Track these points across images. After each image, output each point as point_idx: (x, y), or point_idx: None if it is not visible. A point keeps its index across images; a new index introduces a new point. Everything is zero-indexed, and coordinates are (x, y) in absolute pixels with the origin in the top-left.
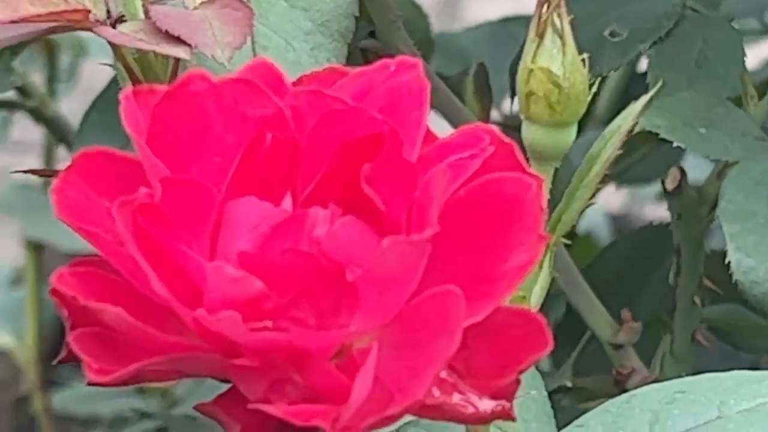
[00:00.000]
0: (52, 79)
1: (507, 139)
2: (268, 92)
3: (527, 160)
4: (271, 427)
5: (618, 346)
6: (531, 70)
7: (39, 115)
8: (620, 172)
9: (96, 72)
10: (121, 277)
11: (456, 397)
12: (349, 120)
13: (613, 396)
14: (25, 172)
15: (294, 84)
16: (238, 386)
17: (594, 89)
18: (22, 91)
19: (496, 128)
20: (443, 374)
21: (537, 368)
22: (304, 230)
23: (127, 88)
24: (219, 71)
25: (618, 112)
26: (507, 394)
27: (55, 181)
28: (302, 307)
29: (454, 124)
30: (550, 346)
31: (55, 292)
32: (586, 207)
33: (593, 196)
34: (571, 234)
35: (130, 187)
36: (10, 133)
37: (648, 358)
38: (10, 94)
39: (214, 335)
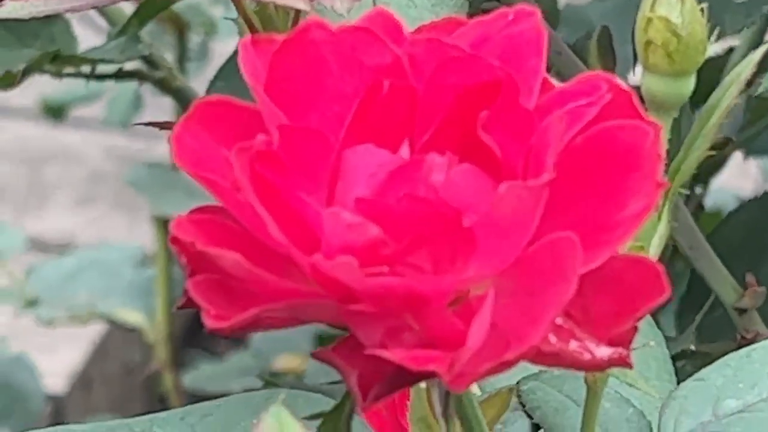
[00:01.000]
0: (182, 58)
1: (626, 87)
2: (386, 40)
3: (646, 109)
4: (387, 373)
5: (742, 311)
6: (649, 19)
7: (166, 86)
8: (747, 140)
9: (226, 52)
10: (239, 224)
11: (573, 344)
12: (467, 67)
13: None
14: (146, 124)
15: (414, 33)
16: (355, 333)
17: (713, 39)
18: (150, 62)
19: (613, 76)
20: (560, 321)
21: (661, 333)
22: (421, 176)
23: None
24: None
25: None
26: (624, 341)
27: (174, 129)
28: (419, 253)
29: None
30: (667, 294)
31: (174, 239)
32: (706, 159)
33: (713, 148)
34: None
35: (249, 135)
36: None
37: None
38: (138, 65)
39: (331, 281)
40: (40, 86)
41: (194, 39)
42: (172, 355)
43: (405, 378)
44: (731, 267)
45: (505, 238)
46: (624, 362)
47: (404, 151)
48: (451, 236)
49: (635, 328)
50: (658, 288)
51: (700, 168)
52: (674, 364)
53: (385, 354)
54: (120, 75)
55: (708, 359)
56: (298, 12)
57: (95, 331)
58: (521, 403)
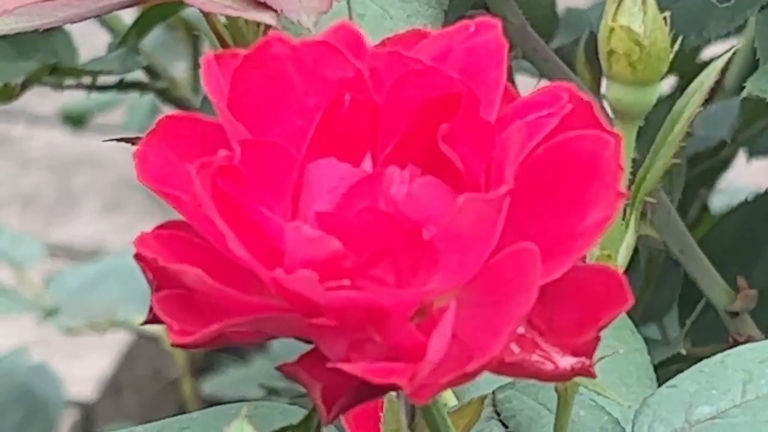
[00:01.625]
0: (195, 67)
1: (586, 97)
2: (347, 54)
3: (611, 119)
4: (351, 385)
5: (734, 314)
6: (612, 29)
7: (168, 97)
8: (747, 141)
9: None
10: (204, 240)
11: (536, 354)
12: (427, 80)
13: None
14: (116, 140)
15: (376, 47)
16: (319, 346)
17: (676, 48)
18: (151, 72)
19: (574, 86)
20: (523, 332)
21: (649, 336)
22: (382, 189)
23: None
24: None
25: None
26: (587, 351)
27: (137, 146)
28: (381, 267)
29: None
30: (630, 303)
31: (138, 255)
32: (670, 167)
33: (677, 154)
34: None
35: (213, 150)
36: None
37: (765, 326)
38: (140, 76)
39: (294, 295)
40: (68, 94)
41: (208, 47)
42: (193, 361)
43: (369, 391)
44: (723, 270)
45: (466, 251)
46: (587, 372)
47: (366, 164)
48: (412, 249)
49: (598, 338)
50: (620, 297)
51: (704, 170)
52: (667, 367)
53: (347, 367)
54: (121, 86)
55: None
56: (268, 26)
57: (124, 337)
58: (496, 411)
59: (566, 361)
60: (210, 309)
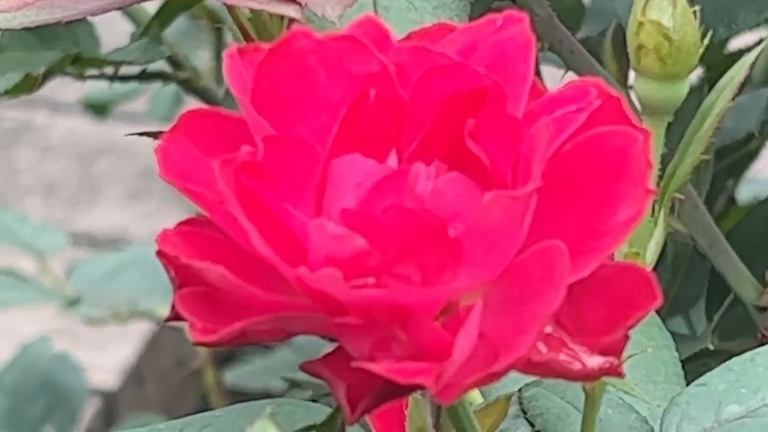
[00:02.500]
0: (218, 57)
1: (615, 92)
2: (372, 48)
3: (640, 114)
4: (376, 385)
5: (762, 309)
6: (641, 23)
7: (190, 87)
8: None
9: None
10: (227, 236)
11: (563, 354)
12: (453, 75)
13: None
14: (139, 134)
15: (402, 40)
16: (344, 345)
17: (706, 42)
18: (174, 63)
19: (603, 81)
20: (550, 330)
21: (676, 331)
22: (407, 186)
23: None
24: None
25: None
26: (615, 350)
27: (159, 142)
28: (406, 264)
29: None
30: (659, 302)
31: (160, 252)
32: (700, 162)
33: (706, 149)
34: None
35: (236, 146)
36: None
37: None
38: (162, 66)
39: (318, 293)
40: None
41: (231, 37)
42: (215, 351)
43: (394, 390)
44: (751, 265)
45: (493, 248)
46: (615, 372)
47: (392, 160)
48: (438, 246)
49: (627, 337)
50: (649, 296)
51: (732, 162)
52: (695, 361)
53: (372, 367)
54: (144, 76)
55: (729, 357)
56: (292, 19)
57: (147, 326)
58: (523, 410)
59: (594, 361)
60: (233, 307)
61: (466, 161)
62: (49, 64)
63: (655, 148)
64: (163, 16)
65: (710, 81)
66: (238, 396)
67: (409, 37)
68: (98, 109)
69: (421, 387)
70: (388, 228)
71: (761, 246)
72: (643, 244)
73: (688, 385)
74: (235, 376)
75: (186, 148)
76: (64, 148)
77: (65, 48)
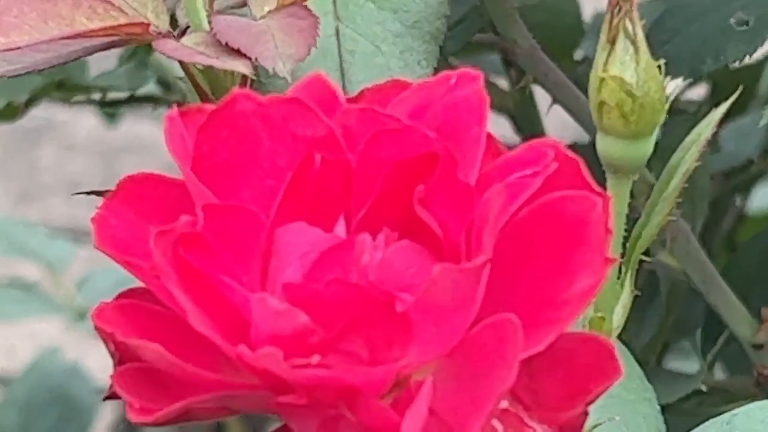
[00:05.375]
0: None
1: (572, 155)
2: (318, 111)
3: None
4: None
5: (758, 346)
6: (602, 79)
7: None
8: None
9: None
10: (168, 309)
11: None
12: (402, 139)
13: (755, 398)
14: (86, 193)
15: (355, 98)
16: (289, 424)
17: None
18: (164, 85)
19: (560, 143)
20: (507, 406)
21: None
22: (353, 258)
23: (189, 105)
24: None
25: None
26: (575, 426)
27: (96, 211)
28: (353, 340)
29: (580, 120)
30: (620, 375)
31: (97, 328)
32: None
33: (735, 171)
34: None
35: (178, 213)
36: None
37: None
38: (152, 89)
39: (261, 371)
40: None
41: None
42: None
43: None
44: (747, 300)
45: (443, 323)
46: None
47: (340, 228)
48: (385, 322)
49: (586, 413)
50: (610, 369)
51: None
52: (691, 399)
53: None
54: (132, 100)
55: (725, 396)
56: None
57: None
58: None
59: None
60: (173, 384)
61: (417, 228)
62: (32, 91)
63: (620, 207)
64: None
65: (715, 98)
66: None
67: (361, 95)
68: (109, 114)
69: None
70: (333, 303)
71: (757, 281)
72: (609, 308)
73: None
74: None
75: (125, 216)
76: (87, 147)
77: (50, 74)
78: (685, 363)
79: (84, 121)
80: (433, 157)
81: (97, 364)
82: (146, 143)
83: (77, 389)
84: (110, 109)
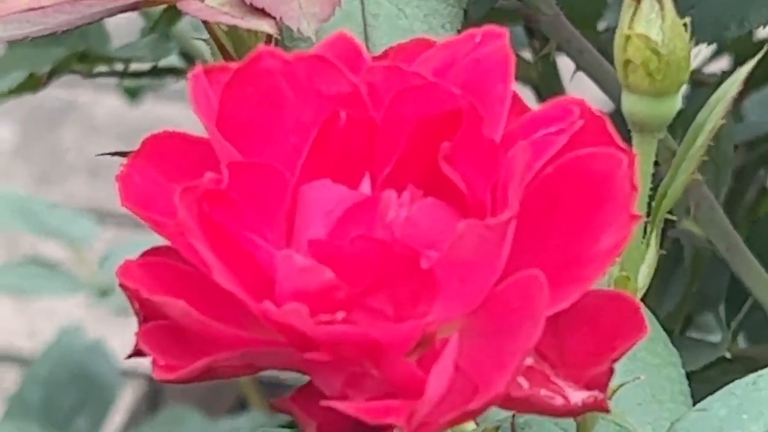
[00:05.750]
0: None
1: (598, 112)
2: (343, 68)
3: (630, 131)
4: (347, 424)
5: None
6: (628, 37)
7: None
8: None
9: None
10: (192, 267)
11: (545, 389)
12: (427, 96)
13: None
14: (110, 154)
15: (380, 57)
16: (315, 381)
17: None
18: (187, 57)
19: (585, 100)
20: (532, 363)
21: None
22: (378, 214)
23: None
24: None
25: None
26: (600, 384)
27: (121, 168)
28: (378, 297)
29: (604, 87)
30: (645, 332)
31: (122, 285)
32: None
33: (700, 165)
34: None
35: (202, 171)
36: None
37: None
38: (175, 61)
39: (285, 328)
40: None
41: None
42: None
43: (366, 429)
44: None
45: (468, 279)
46: (600, 407)
47: (365, 185)
48: (410, 278)
49: (612, 370)
50: (636, 326)
51: (763, 153)
52: (715, 368)
53: (340, 406)
54: (154, 72)
55: (749, 364)
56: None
57: None
58: None
59: (578, 396)
60: (198, 342)
61: (442, 186)
62: (54, 62)
63: (646, 166)
64: (172, 12)
65: None
66: (272, 387)
67: (386, 54)
68: (132, 92)
69: (393, 426)
70: (358, 259)
71: None
72: (634, 268)
73: (695, 401)
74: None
75: (149, 174)
76: (109, 127)
77: (73, 45)
78: (708, 337)
79: (105, 102)
80: (458, 114)
81: (119, 343)
82: (167, 124)
83: (99, 367)
84: (132, 81)
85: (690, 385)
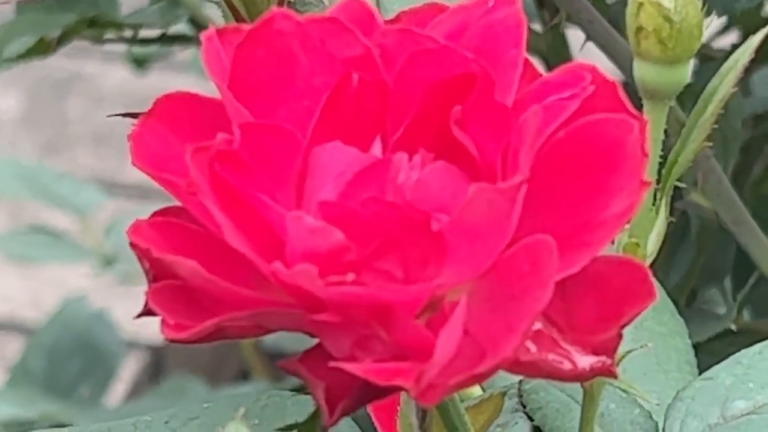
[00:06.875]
0: None
1: (610, 78)
2: (356, 31)
3: (641, 98)
4: (355, 386)
5: None
6: (640, 4)
7: None
8: None
9: None
10: (203, 227)
11: (553, 353)
12: (439, 59)
13: None
14: (116, 115)
15: (392, 21)
16: (323, 343)
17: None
18: (196, 24)
19: (597, 66)
20: (541, 328)
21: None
22: (389, 177)
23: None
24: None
25: None
26: (608, 349)
27: (133, 128)
28: (388, 259)
29: (614, 58)
30: (654, 298)
31: (132, 245)
32: (727, 135)
33: (708, 138)
34: None
35: (215, 132)
36: None
37: None
38: (184, 28)
39: (295, 289)
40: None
41: None
42: None
43: (374, 391)
44: None
45: (478, 243)
46: (608, 372)
47: (376, 148)
48: (421, 241)
49: (620, 336)
50: (644, 292)
51: None
52: (722, 339)
53: (348, 367)
54: (164, 39)
55: (755, 337)
56: None
57: None
58: (522, 403)
59: (585, 361)
60: (208, 302)
61: (453, 149)
62: (64, 27)
63: (656, 134)
64: None
65: None
66: (275, 357)
67: (398, 17)
68: (139, 61)
69: (401, 388)
70: (368, 221)
71: None
72: (643, 235)
73: (701, 372)
74: (272, 337)
75: (161, 134)
76: (115, 98)
77: (82, 10)
78: (714, 310)
79: (112, 72)
80: (471, 78)
81: (123, 313)
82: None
83: (103, 337)
84: (141, 48)
85: (695, 356)
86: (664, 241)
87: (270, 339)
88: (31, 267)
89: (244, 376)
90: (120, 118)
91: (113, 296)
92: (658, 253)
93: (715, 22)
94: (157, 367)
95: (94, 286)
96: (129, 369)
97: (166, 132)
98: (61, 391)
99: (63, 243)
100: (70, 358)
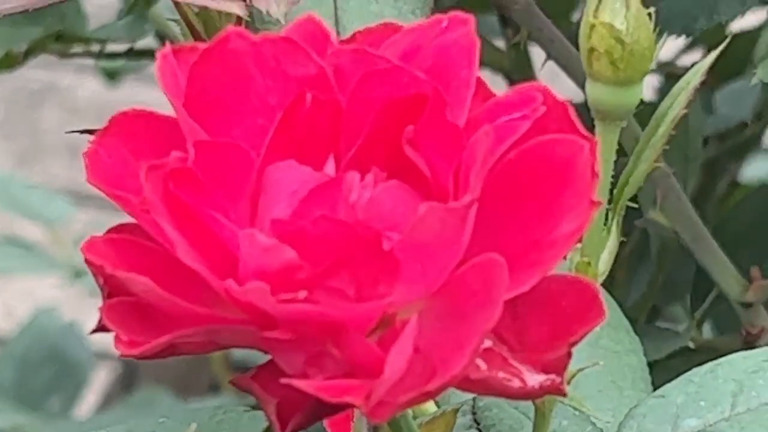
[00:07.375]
0: None
1: (561, 99)
2: (309, 51)
3: (593, 119)
4: (307, 402)
5: (747, 305)
6: (593, 25)
7: None
8: None
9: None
10: (157, 244)
11: (502, 372)
12: (392, 79)
13: None
14: (81, 132)
15: (347, 40)
16: (276, 359)
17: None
18: (163, 39)
19: (548, 87)
20: (491, 346)
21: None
22: (342, 196)
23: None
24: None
25: None
26: (558, 368)
27: (89, 145)
28: (340, 278)
29: (574, 77)
30: (604, 317)
31: (87, 261)
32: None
33: (730, 134)
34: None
35: (170, 149)
36: None
37: None
38: (151, 43)
39: (248, 306)
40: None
41: None
42: None
43: (325, 408)
44: (736, 259)
45: (429, 261)
46: (557, 390)
47: (329, 167)
48: (372, 259)
49: (569, 354)
50: (595, 311)
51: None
52: (679, 358)
53: (299, 384)
54: (131, 54)
55: (713, 354)
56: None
57: None
58: (476, 420)
59: (535, 379)
60: (162, 318)
61: (406, 169)
62: (31, 41)
63: (608, 155)
64: None
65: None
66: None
67: (353, 37)
68: (110, 74)
69: (352, 405)
70: (320, 240)
71: (748, 240)
72: (595, 254)
73: (655, 389)
74: (242, 351)
75: (117, 152)
76: (89, 109)
77: (50, 25)
78: (676, 327)
79: (87, 84)
80: (423, 98)
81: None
82: (149, 107)
83: (73, 348)
84: (110, 63)
85: (652, 373)
86: (623, 259)
87: (240, 353)
88: (2, 278)
89: (214, 389)
90: (95, 129)
91: (84, 307)
92: (618, 271)
93: (680, 40)
94: (129, 378)
95: (65, 298)
96: (100, 380)
97: (121, 149)
98: (32, 402)
99: (34, 254)
100: (40, 369)
